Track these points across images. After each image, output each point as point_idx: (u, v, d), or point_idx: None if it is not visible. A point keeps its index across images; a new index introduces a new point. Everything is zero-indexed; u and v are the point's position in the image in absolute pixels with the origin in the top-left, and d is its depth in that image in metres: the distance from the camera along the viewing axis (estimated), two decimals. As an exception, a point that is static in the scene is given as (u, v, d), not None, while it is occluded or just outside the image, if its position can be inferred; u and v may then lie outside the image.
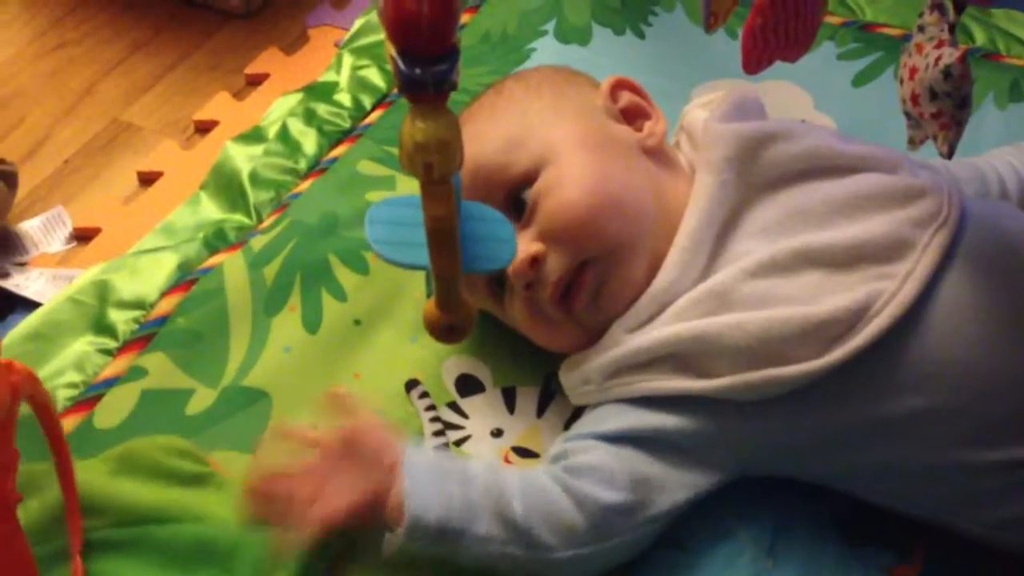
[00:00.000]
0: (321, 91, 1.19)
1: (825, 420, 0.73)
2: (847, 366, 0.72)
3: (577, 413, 0.85)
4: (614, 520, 0.74)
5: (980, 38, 1.19)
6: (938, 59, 0.65)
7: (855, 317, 0.72)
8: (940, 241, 0.73)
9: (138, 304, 0.93)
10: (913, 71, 0.67)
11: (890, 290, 0.72)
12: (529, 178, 0.81)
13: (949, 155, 0.66)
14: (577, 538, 0.73)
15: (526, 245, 0.79)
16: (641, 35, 1.24)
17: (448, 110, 0.54)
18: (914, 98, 0.67)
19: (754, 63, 0.85)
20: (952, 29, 0.66)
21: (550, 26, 1.25)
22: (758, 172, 0.80)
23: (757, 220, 0.79)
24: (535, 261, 0.78)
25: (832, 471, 0.77)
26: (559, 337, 0.82)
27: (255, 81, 1.31)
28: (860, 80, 1.16)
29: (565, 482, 0.74)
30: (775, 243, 0.76)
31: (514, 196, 0.81)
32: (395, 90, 1.16)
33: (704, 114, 0.85)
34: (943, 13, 0.67)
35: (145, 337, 0.91)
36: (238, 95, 1.29)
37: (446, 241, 0.55)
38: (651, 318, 0.78)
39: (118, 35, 1.39)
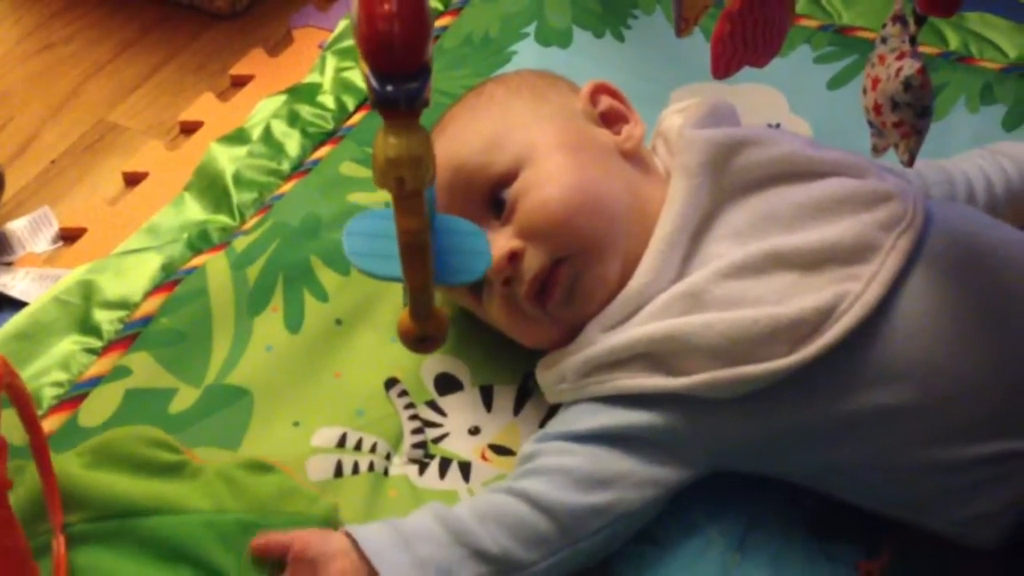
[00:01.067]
0: (304, 93, 1.20)
1: (794, 418, 0.76)
2: (815, 365, 0.74)
3: (553, 411, 0.87)
4: (585, 521, 0.75)
5: (954, 42, 1.21)
6: (899, 70, 0.67)
7: (822, 317, 0.74)
8: (904, 244, 0.75)
9: (122, 304, 0.95)
10: (876, 81, 0.69)
11: (856, 291, 0.74)
12: (508, 178, 0.83)
13: (910, 163, 0.68)
14: (551, 545, 0.75)
15: (504, 242, 0.81)
16: (621, 38, 1.26)
17: (420, 126, 0.56)
18: (876, 108, 0.69)
19: (723, 68, 0.87)
20: (913, 41, 0.68)
21: (531, 28, 1.27)
22: (730, 177, 0.82)
23: (729, 223, 0.81)
24: (513, 257, 0.81)
25: (802, 469, 0.79)
26: (535, 333, 0.84)
27: (240, 82, 1.32)
28: (835, 83, 1.18)
29: (527, 493, 0.75)
30: (746, 246, 0.78)
31: (493, 195, 0.83)
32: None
33: (679, 120, 0.87)
34: (904, 25, 0.68)
35: (129, 337, 0.92)
36: (223, 96, 1.31)
37: (418, 254, 0.57)
38: (626, 318, 0.80)
39: (105, 36, 1.40)
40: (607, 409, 0.79)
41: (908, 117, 0.67)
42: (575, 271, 0.81)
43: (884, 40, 0.70)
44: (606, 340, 0.79)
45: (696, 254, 0.80)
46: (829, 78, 1.18)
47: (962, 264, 0.76)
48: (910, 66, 0.66)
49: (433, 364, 0.92)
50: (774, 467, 0.80)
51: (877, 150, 0.72)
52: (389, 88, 0.54)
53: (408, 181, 0.55)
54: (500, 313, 0.84)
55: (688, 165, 0.82)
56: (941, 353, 0.73)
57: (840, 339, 0.73)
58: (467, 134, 0.85)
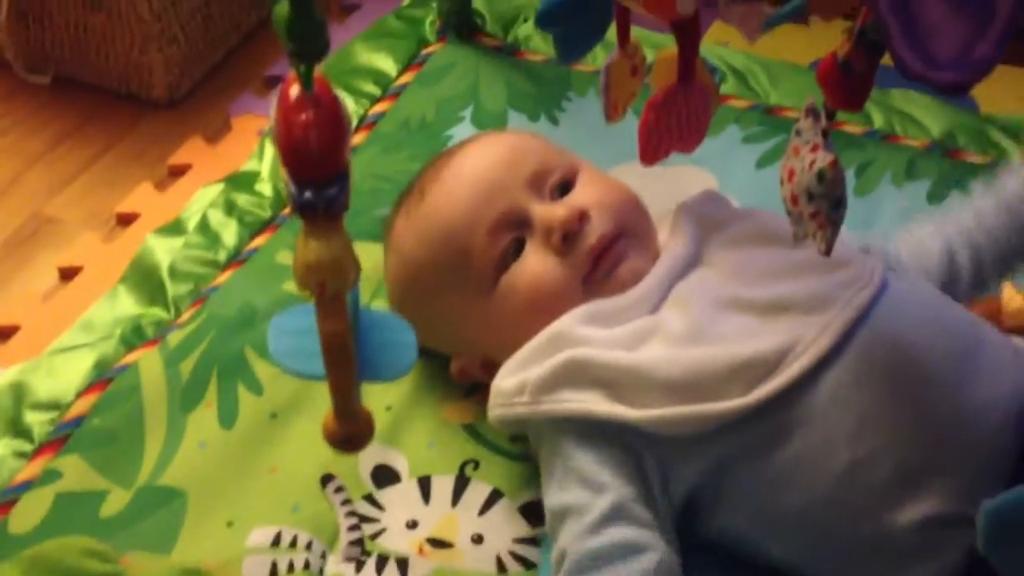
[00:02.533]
0: (242, 181, 1.21)
1: (742, 456, 0.77)
2: (767, 406, 0.76)
3: (491, 499, 0.87)
4: None
5: (878, 120, 1.24)
6: (812, 163, 0.68)
7: (779, 357, 0.77)
8: (858, 302, 0.79)
9: (54, 405, 0.94)
10: (791, 173, 0.71)
11: (810, 337, 0.77)
12: (571, 172, 0.91)
13: (826, 253, 0.70)
14: None
15: (570, 206, 0.86)
16: (555, 121, 1.27)
17: (341, 229, 0.56)
18: (793, 199, 0.71)
19: (651, 155, 0.89)
20: (825, 134, 0.69)
21: (467, 112, 1.28)
22: (713, 243, 0.88)
23: (701, 275, 0.85)
24: (583, 216, 0.85)
25: (745, 516, 0.79)
26: (556, 302, 0.85)
27: (178, 171, 1.33)
28: (763, 162, 1.19)
29: None
30: (712, 292, 0.82)
31: (548, 178, 0.89)
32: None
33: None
34: (817, 119, 0.70)
35: (61, 438, 0.92)
36: (160, 186, 1.31)
37: (341, 355, 0.57)
38: (604, 322, 0.82)
39: (42, 127, 1.41)
40: (579, 453, 0.79)
41: (823, 208, 0.68)
42: (629, 249, 0.86)
43: (798, 133, 0.71)
44: (576, 352, 0.80)
45: (666, 298, 0.84)
46: (758, 157, 1.20)
47: (907, 331, 0.79)
48: (823, 159, 0.68)
49: (370, 455, 0.91)
50: (720, 513, 0.80)
51: (797, 238, 0.74)
52: (307, 194, 0.55)
53: (329, 284, 0.56)
54: (538, 270, 0.85)
55: (679, 232, 0.88)
56: (876, 408, 0.76)
57: (794, 381, 0.76)
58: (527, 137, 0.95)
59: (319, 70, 0.54)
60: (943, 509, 0.74)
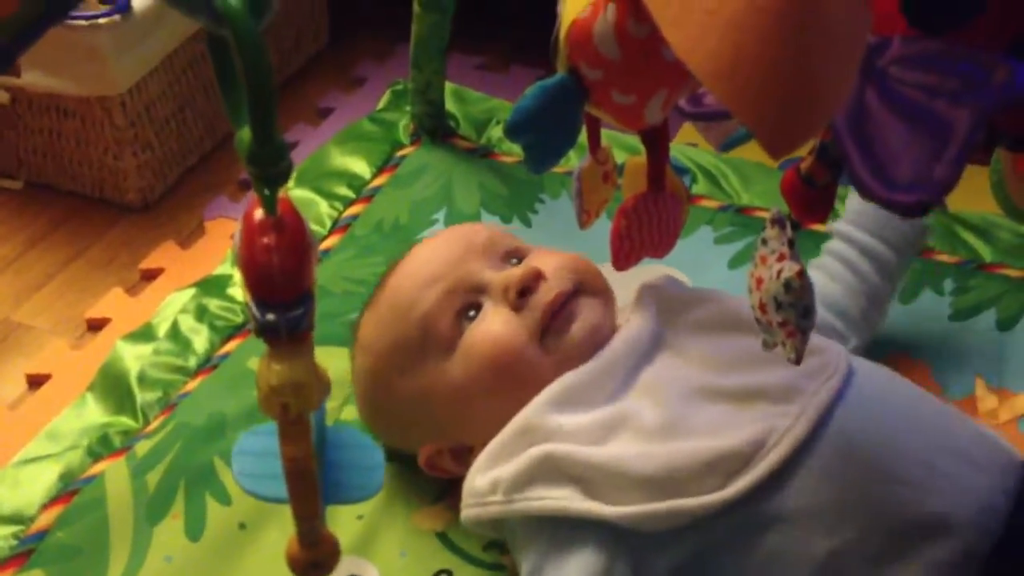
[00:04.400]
0: (214, 285, 1.20)
1: (721, 547, 0.77)
2: (746, 497, 0.76)
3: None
4: None
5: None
6: (779, 272, 0.69)
7: (755, 449, 0.77)
8: (830, 389, 0.79)
9: (17, 519, 0.92)
10: (759, 281, 0.71)
11: (784, 426, 0.77)
12: (518, 252, 0.93)
13: (797, 362, 0.69)
14: None
15: (526, 266, 0.88)
16: (528, 223, 1.28)
17: (305, 351, 0.56)
18: (762, 307, 0.71)
19: (623, 261, 0.89)
20: (791, 244, 0.70)
21: (441, 215, 1.29)
22: (677, 325, 0.89)
23: (667, 361, 0.86)
24: (539, 275, 0.87)
25: None
26: (514, 359, 0.85)
27: (150, 276, 1.32)
28: (736, 262, 1.20)
29: None
30: (682, 380, 0.82)
31: (502, 253, 0.92)
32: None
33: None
34: (783, 228, 0.71)
35: (24, 553, 0.90)
36: (132, 291, 1.30)
37: (304, 481, 0.56)
38: (575, 401, 0.82)
39: (13, 233, 1.40)
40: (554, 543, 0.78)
41: (791, 317, 0.68)
42: (585, 306, 0.87)
43: (764, 242, 0.72)
44: (552, 447, 0.79)
45: (633, 382, 0.84)
46: (730, 258, 1.21)
47: (877, 418, 0.80)
48: (790, 268, 0.68)
49: (341, 567, 0.89)
50: None
51: (768, 345, 0.74)
52: (270, 316, 0.54)
53: (292, 407, 0.55)
54: (495, 326, 0.85)
55: (641, 308, 0.89)
56: (851, 497, 0.76)
57: (771, 472, 0.76)
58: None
59: (285, 190, 0.54)
60: None
